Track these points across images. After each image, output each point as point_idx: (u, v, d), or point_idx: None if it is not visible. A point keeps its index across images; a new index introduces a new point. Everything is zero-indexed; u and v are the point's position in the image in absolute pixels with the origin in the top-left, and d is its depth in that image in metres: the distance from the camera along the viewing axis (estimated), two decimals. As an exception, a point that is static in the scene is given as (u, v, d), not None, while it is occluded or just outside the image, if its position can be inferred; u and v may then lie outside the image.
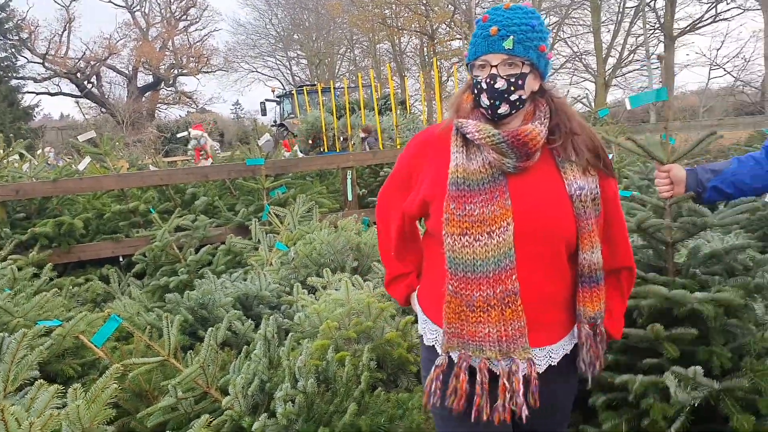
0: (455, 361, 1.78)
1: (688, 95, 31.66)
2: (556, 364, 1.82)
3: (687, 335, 2.32)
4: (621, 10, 30.28)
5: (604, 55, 29.40)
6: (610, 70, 30.10)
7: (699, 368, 2.22)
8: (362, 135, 14.72)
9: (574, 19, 31.74)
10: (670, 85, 26.67)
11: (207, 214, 7.14)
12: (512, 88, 1.72)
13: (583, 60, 32.45)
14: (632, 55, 30.79)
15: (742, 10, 28.12)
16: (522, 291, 1.71)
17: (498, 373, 1.75)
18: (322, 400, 2.69)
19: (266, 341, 2.91)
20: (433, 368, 1.82)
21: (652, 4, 28.87)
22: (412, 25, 35.46)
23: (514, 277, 1.70)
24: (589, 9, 29.30)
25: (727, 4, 28.02)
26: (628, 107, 2.67)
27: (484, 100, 1.75)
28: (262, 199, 7.20)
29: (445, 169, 1.78)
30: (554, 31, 31.16)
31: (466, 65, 1.82)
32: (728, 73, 29.73)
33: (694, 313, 2.33)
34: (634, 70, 31.31)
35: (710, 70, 30.94)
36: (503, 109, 1.74)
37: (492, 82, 1.72)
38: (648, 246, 2.65)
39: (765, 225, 5.26)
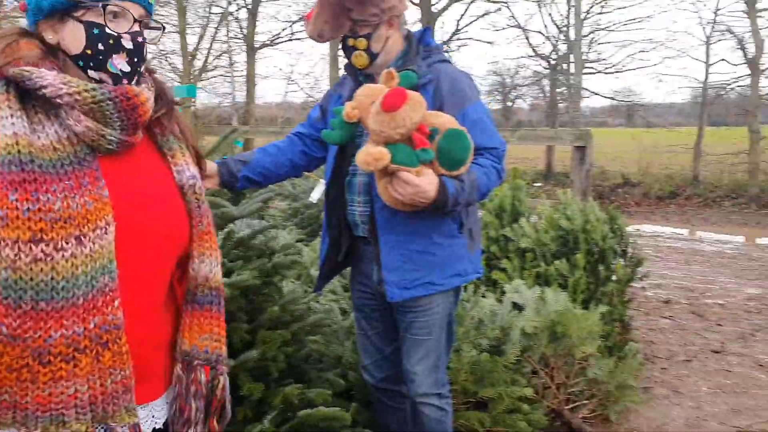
0: None
1: (272, 106, 34.07)
2: (161, 426, 1.33)
3: None
4: (207, 15, 30.98)
5: (190, 58, 29.64)
6: (197, 73, 30.52)
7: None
8: None
9: (161, 17, 31.29)
10: (252, 93, 28.28)
11: None
12: (144, 56, 1.28)
13: (168, 59, 32.23)
14: (216, 60, 31.78)
15: (314, 33, 31.51)
16: (127, 323, 1.18)
17: None
18: None
19: None
20: None
21: (236, 14, 30.19)
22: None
23: (116, 302, 1.17)
24: (175, 9, 29.23)
25: (301, 26, 31.02)
26: None
27: (121, 64, 1.24)
28: None
29: None
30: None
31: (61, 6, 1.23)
32: (302, 89, 33.00)
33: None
34: (220, 75, 32.40)
35: (288, 84, 33.89)
36: (134, 81, 1.28)
37: (141, 42, 1.25)
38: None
39: (314, 222, 5.79)
